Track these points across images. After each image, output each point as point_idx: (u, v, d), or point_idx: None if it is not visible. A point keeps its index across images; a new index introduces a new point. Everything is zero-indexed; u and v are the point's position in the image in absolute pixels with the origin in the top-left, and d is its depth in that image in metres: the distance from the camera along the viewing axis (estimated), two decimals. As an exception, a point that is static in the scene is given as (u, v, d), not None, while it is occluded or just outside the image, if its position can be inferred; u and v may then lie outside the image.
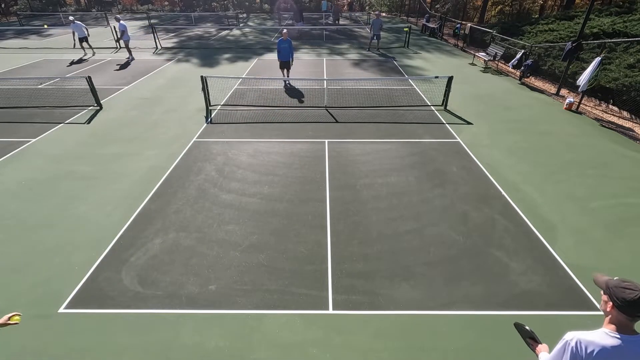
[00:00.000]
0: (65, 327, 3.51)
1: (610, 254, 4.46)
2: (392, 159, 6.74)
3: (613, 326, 1.76)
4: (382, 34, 22.31)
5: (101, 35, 20.22)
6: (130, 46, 15.05)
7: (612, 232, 4.85)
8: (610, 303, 1.74)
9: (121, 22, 14.55)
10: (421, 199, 5.54)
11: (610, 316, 1.78)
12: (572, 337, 1.80)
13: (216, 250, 4.49)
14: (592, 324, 3.55)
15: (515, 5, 30.83)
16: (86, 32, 14.98)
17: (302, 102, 9.87)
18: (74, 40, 15.32)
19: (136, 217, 5.10)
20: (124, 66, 13.69)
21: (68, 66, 13.57)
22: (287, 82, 11.45)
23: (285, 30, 10.59)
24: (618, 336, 1.72)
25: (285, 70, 11.24)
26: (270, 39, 19.97)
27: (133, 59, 14.82)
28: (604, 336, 1.74)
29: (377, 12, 16.14)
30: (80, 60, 14.54)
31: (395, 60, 14.83)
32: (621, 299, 1.69)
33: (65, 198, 5.53)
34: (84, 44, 15.18)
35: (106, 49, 16.75)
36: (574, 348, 1.77)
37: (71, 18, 15.21)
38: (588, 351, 1.73)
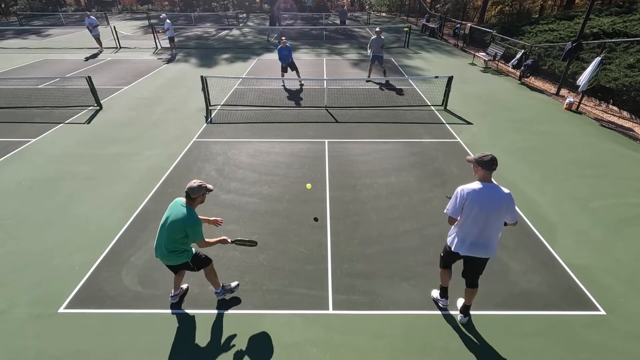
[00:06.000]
0: (65, 327, 3.51)
1: (610, 254, 4.46)
2: (392, 159, 6.74)
3: (479, 180, 3.00)
4: (382, 34, 22.25)
5: (101, 35, 20.16)
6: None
7: (612, 232, 4.85)
8: (478, 167, 2.97)
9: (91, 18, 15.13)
10: (421, 199, 5.54)
11: (478, 175, 3.01)
12: (459, 188, 3.04)
13: (216, 250, 4.49)
14: (593, 323, 3.57)
15: (515, 5, 30.81)
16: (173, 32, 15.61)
17: (302, 102, 9.87)
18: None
19: (136, 217, 5.10)
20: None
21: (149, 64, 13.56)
22: (300, 82, 11.40)
23: (284, 38, 10.60)
24: (481, 185, 2.97)
25: (293, 72, 11.06)
26: (270, 39, 19.96)
27: None
28: (474, 185, 2.99)
29: (377, 30, 11.26)
30: (172, 59, 14.92)
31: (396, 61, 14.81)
32: (482, 162, 2.93)
33: (65, 198, 5.53)
34: (171, 44, 15.74)
35: (106, 49, 16.76)
36: (458, 193, 3.03)
37: (163, 16, 15.74)
38: (465, 193, 2.98)
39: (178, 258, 3.30)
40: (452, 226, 3.26)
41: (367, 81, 11.60)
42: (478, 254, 3.14)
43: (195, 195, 3.11)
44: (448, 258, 3.48)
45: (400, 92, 10.81)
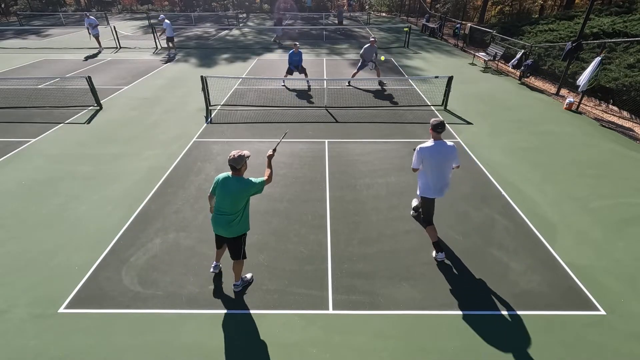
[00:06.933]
0: (65, 327, 3.51)
1: (610, 254, 4.46)
2: (392, 159, 6.73)
3: (432, 139, 4.04)
4: (382, 34, 22.34)
5: (101, 35, 20.17)
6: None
7: (612, 232, 4.85)
8: (431, 130, 4.02)
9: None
10: (421, 199, 5.54)
11: (432, 135, 4.05)
12: (418, 147, 4.08)
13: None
14: (593, 323, 3.57)
15: (515, 5, 30.82)
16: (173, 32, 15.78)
17: (302, 102, 9.87)
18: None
19: (136, 217, 5.10)
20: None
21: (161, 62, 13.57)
22: (307, 82, 11.40)
23: (297, 44, 10.68)
24: (434, 142, 4.01)
25: (300, 74, 11.05)
26: (270, 39, 19.97)
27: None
28: (429, 143, 4.05)
29: (372, 39, 10.93)
30: (171, 59, 14.92)
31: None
32: (433, 125, 3.98)
33: (65, 198, 5.53)
34: (170, 44, 15.84)
35: (106, 49, 16.76)
36: (418, 151, 4.06)
37: (162, 17, 15.83)
38: (423, 150, 4.02)
39: (240, 227, 3.52)
40: (419, 180, 4.34)
41: (380, 82, 11.44)
42: (443, 194, 4.26)
43: (239, 166, 3.36)
44: (428, 211, 4.38)
45: (400, 92, 10.81)
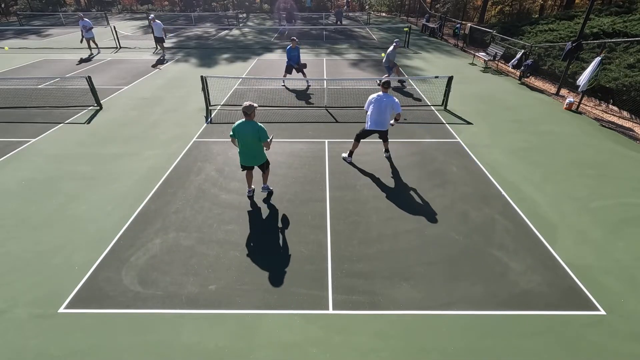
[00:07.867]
0: (65, 327, 3.51)
1: (610, 254, 4.46)
2: (392, 159, 6.73)
3: (382, 92, 6.08)
4: (382, 34, 22.36)
5: (101, 35, 20.20)
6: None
7: (612, 232, 4.85)
8: (380, 86, 6.13)
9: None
10: (421, 199, 5.54)
11: (381, 90, 6.11)
12: (371, 96, 6.16)
13: (216, 250, 4.49)
14: (593, 323, 3.57)
15: (515, 5, 30.83)
16: (164, 33, 15.40)
17: (302, 102, 9.88)
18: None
19: (136, 217, 5.10)
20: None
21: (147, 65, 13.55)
22: (307, 82, 11.40)
23: (295, 39, 10.62)
24: (381, 94, 6.07)
25: (298, 72, 11.05)
26: (270, 39, 19.97)
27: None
28: (378, 93, 6.12)
29: (396, 42, 11.40)
30: (162, 61, 14.63)
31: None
32: (382, 82, 6.09)
33: (65, 198, 5.53)
34: (163, 44, 15.63)
35: (107, 49, 16.76)
36: (370, 98, 6.15)
37: (152, 16, 15.61)
38: (371, 97, 6.12)
39: (262, 157, 5.13)
40: (366, 116, 6.20)
41: (402, 82, 11.50)
42: (381, 127, 6.10)
43: (249, 112, 4.64)
44: (362, 135, 6.34)
45: (400, 92, 10.81)
